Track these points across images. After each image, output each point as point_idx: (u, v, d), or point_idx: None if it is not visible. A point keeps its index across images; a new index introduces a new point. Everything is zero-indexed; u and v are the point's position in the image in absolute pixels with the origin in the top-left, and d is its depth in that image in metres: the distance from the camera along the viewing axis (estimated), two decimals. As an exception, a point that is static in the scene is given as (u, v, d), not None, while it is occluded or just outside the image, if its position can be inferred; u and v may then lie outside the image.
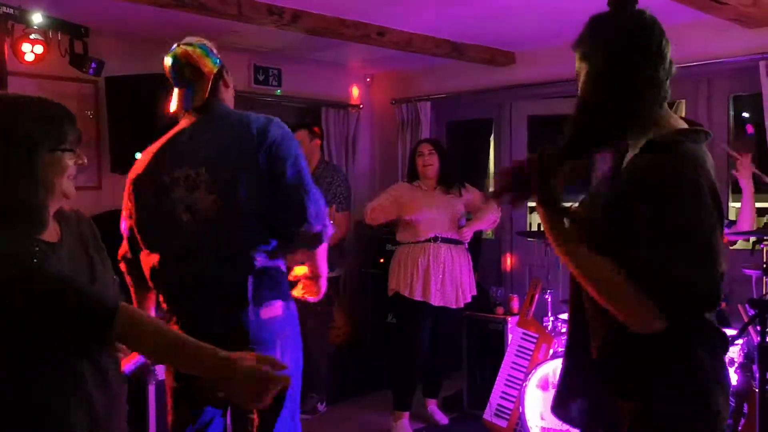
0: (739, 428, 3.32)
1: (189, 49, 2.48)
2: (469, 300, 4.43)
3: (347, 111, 6.28)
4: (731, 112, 4.87)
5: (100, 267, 1.67)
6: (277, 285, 2.40)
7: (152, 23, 4.41)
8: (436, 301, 4.28)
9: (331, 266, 4.17)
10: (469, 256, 4.50)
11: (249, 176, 2.31)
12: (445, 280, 4.30)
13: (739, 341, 3.54)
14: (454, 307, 4.35)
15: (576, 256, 1.63)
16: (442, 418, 4.49)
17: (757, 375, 2.99)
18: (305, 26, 4.39)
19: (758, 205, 6.07)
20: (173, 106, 2.52)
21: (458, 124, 6.44)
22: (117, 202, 4.65)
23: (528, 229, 5.68)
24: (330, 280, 4.42)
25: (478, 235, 5.98)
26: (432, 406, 4.53)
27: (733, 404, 3.61)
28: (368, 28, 4.70)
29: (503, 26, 4.78)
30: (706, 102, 4.91)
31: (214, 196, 2.32)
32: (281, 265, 2.44)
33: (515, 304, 4.59)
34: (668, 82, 1.67)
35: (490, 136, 6.29)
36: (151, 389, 3.35)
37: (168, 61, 2.51)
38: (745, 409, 3.35)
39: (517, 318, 4.38)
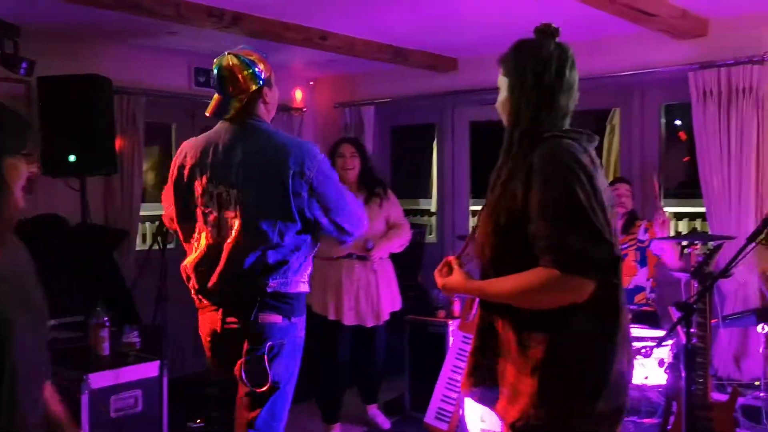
0: (669, 427, 3.42)
1: (234, 61, 2.55)
2: (387, 318, 4.26)
3: (290, 114, 6.25)
4: (663, 120, 5.03)
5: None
6: (282, 306, 2.56)
7: (87, 23, 4.32)
8: (349, 320, 4.11)
9: None
10: (391, 267, 4.36)
11: (277, 210, 2.48)
12: (360, 299, 4.12)
13: (668, 342, 3.65)
14: (369, 325, 4.18)
15: (496, 295, 1.84)
16: (384, 422, 4.50)
17: (684, 374, 3.09)
18: (246, 29, 4.35)
19: (686, 210, 6.32)
20: (209, 110, 2.64)
21: (402, 129, 6.48)
22: (51, 206, 4.59)
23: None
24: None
25: (420, 239, 6.04)
26: (373, 410, 4.54)
27: (663, 403, 3.73)
28: (310, 32, 4.69)
29: (446, 33, 4.83)
30: (639, 110, 5.06)
31: (240, 221, 2.49)
32: (293, 287, 2.58)
33: (456, 308, 4.63)
34: (569, 100, 1.91)
35: (433, 141, 6.35)
36: (84, 399, 3.27)
37: (214, 67, 2.58)
38: (674, 407, 3.46)
39: (458, 321, 4.42)
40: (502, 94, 1.95)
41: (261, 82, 2.56)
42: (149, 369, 3.54)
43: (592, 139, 1.90)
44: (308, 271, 2.69)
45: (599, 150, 6.37)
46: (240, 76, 2.53)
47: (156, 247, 3.46)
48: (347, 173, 4.16)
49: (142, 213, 5.41)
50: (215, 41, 4.79)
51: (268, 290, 2.51)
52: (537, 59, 1.87)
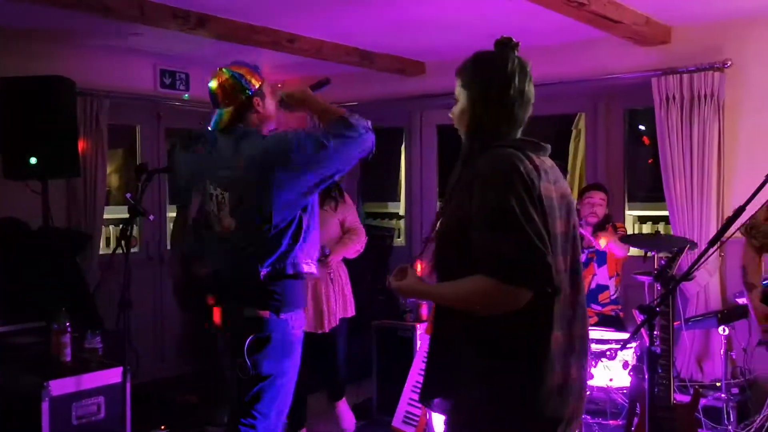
0: (633, 428, 3.47)
1: (223, 75, 2.73)
2: (336, 324, 4.16)
3: (258, 117, 6.20)
4: (627, 125, 5.10)
5: None
6: (272, 301, 2.67)
7: (49, 23, 4.25)
8: None
9: None
10: (345, 273, 4.27)
11: (259, 208, 2.62)
12: (309, 306, 3.98)
13: (632, 345, 3.70)
14: (319, 332, 4.08)
15: (440, 299, 1.89)
16: (350, 420, 4.46)
17: (648, 376, 3.14)
18: (213, 31, 4.32)
19: (649, 213, 6.42)
20: (208, 124, 2.83)
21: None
22: (11, 209, 4.49)
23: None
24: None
25: (389, 243, 6.04)
26: (341, 406, 4.48)
27: (627, 404, 3.78)
28: (278, 35, 4.67)
29: (413, 37, 4.85)
30: (604, 115, 5.13)
31: (234, 220, 2.68)
32: (281, 283, 2.68)
33: (424, 311, 4.64)
34: (526, 113, 1.94)
35: (401, 145, 6.36)
36: (45, 406, 3.21)
37: (209, 84, 2.78)
38: (638, 409, 3.50)
39: (425, 325, 4.43)
40: (460, 106, 1.97)
41: (249, 92, 2.71)
42: (112, 375, 3.49)
43: (539, 147, 1.91)
44: (303, 269, 2.75)
45: (564, 155, 6.47)
46: (230, 89, 2.71)
47: (120, 250, 3.41)
48: None
49: (105, 216, 5.33)
50: (181, 43, 4.76)
51: (255, 286, 2.65)
52: (501, 73, 1.89)
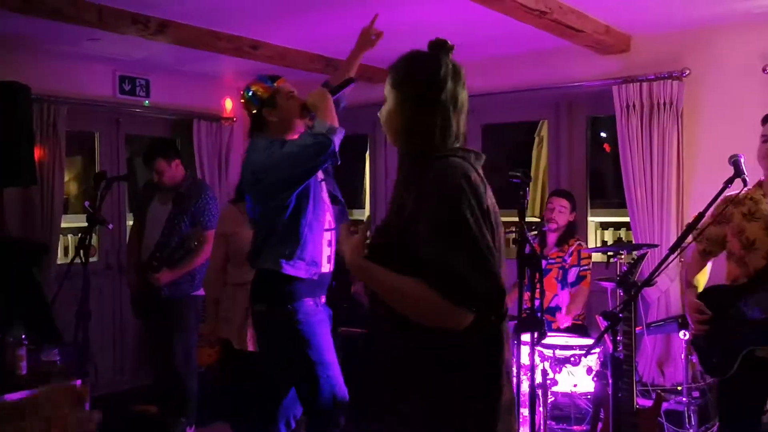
0: (597, 433, 3.50)
1: (242, 93, 3.01)
2: None
3: (220, 124, 6.14)
4: (589, 133, 5.16)
5: None
6: (266, 295, 2.92)
7: (4, 27, 4.14)
8: (253, 346, 3.58)
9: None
10: None
11: (251, 208, 2.95)
12: None
13: (596, 350, 3.73)
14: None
15: (380, 284, 1.77)
16: None
17: (611, 382, 3.16)
18: (174, 37, 4.26)
19: (611, 219, 6.50)
20: None
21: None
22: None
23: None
24: (198, 300, 4.30)
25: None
26: None
27: (591, 410, 3.81)
28: (241, 41, 4.62)
29: (379, 44, 4.83)
30: (566, 123, 5.18)
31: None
32: (278, 278, 2.86)
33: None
34: (460, 119, 1.85)
35: (366, 152, 6.34)
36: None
37: None
38: (602, 414, 3.53)
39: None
40: (388, 106, 1.88)
41: (257, 104, 2.93)
42: (70, 388, 3.38)
43: (480, 157, 1.85)
44: (296, 263, 2.87)
45: (528, 161, 6.53)
46: (243, 104, 3.01)
47: (78, 260, 3.33)
48: None
49: (63, 225, 5.22)
50: (142, 49, 4.68)
51: (258, 279, 2.93)
52: (435, 75, 1.81)
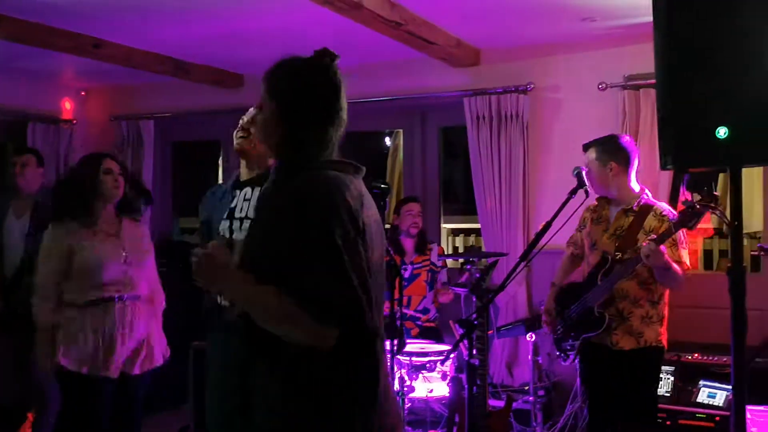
0: (452, 437, 3.57)
1: None
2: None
3: (58, 126, 5.73)
4: (441, 142, 5.31)
5: None
6: None
7: None
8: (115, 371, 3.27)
9: None
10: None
11: None
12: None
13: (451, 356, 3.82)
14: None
15: (262, 308, 1.65)
16: None
17: (466, 386, 3.25)
18: (5, 32, 3.92)
19: (463, 226, 6.74)
20: None
21: (184, 145, 6.21)
22: None
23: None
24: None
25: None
26: None
27: (446, 413, 3.89)
28: (82, 39, 4.33)
29: (230, 49, 4.71)
30: (420, 132, 5.29)
31: None
32: None
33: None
34: (338, 132, 1.78)
35: (219, 158, 6.15)
36: None
37: None
38: (456, 418, 3.62)
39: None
40: (266, 115, 1.77)
41: None
42: None
43: (359, 170, 1.79)
44: None
45: (383, 170, 6.62)
46: None
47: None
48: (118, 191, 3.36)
49: None
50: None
51: None
52: (320, 86, 1.74)
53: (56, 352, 3.16)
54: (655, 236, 2.93)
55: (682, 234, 3.08)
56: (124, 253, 3.28)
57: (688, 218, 2.84)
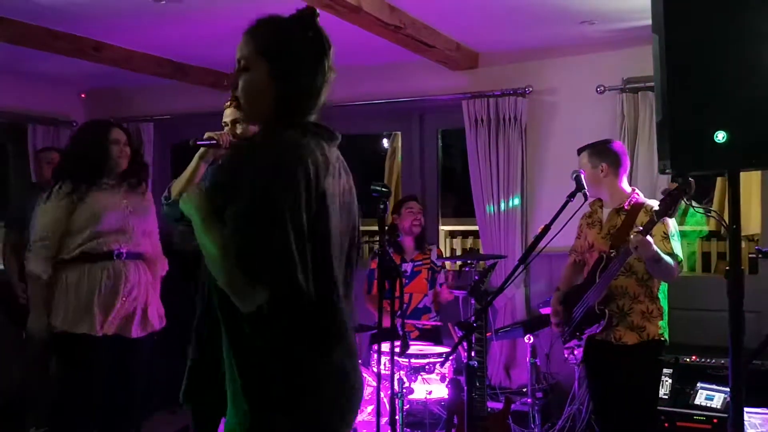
0: (451, 439, 3.59)
1: None
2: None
3: (58, 128, 5.73)
4: (440, 144, 5.32)
5: None
6: None
7: None
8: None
9: None
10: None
11: None
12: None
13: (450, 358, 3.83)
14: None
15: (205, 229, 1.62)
16: None
17: (465, 388, 3.27)
18: (5, 34, 3.92)
19: (461, 228, 6.74)
20: None
21: (184, 147, 6.20)
22: None
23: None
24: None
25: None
26: None
27: (445, 415, 3.91)
28: (82, 42, 4.35)
29: (227, 50, 4.70)
30: (419, 134, 5.31)
31: None
32: None
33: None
34: (324, 93, 1.73)
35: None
36: None
37: None
38: (455, 420, 3.63)
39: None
40: (253, 76, 1.69)
41: None
42: None
43: (334, 137, 1.73)
44: None
45: (381, 173, 6.62)
46: None
47: None
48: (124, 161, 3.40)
49: None
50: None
51: None
52: (317, 45, 1.69)
53: (50, 313, 3.11)
54: (641, 227, 2.97)
55: (672, 226, 3.12)
56: (125, 201, 3.27)
57: (668, 206, 2.87)
